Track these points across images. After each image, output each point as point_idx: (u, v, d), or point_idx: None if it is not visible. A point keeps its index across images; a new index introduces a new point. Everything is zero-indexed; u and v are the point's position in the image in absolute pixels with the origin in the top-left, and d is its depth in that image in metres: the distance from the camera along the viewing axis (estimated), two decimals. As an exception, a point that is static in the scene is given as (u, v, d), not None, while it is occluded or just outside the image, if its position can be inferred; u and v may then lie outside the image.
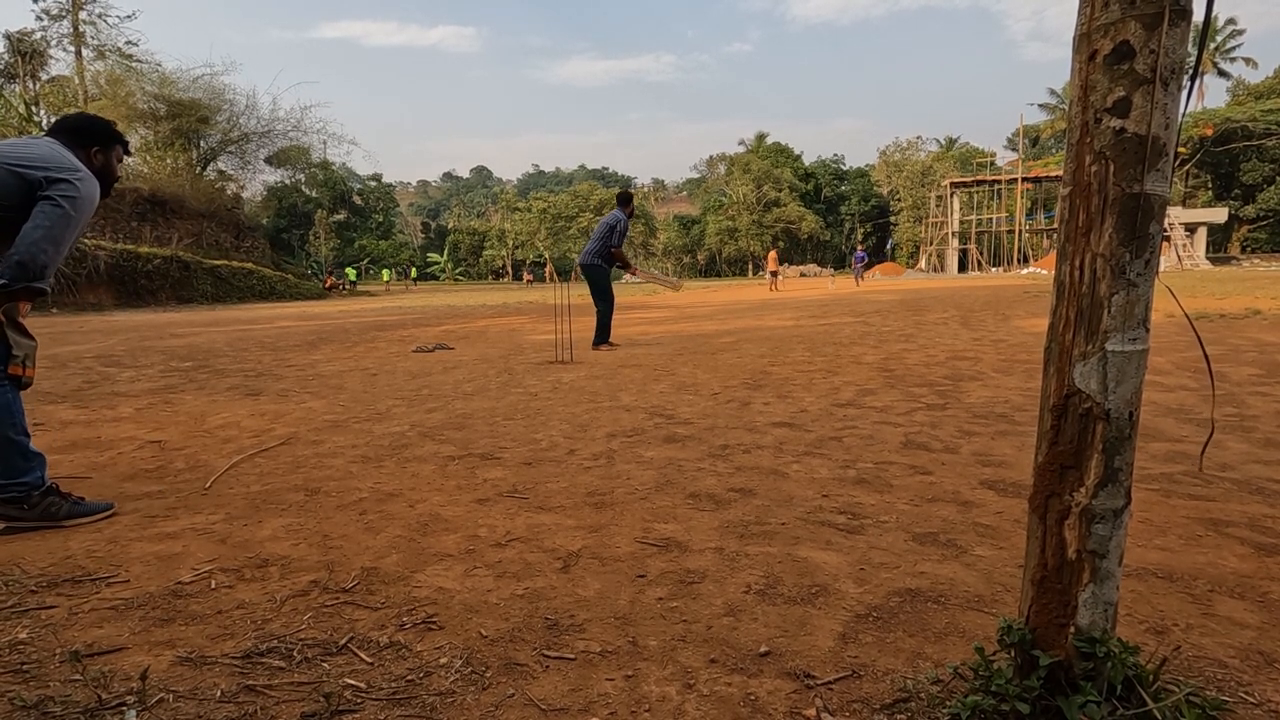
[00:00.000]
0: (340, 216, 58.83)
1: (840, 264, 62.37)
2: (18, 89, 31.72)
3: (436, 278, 62.94)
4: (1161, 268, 1.07)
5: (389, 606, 1.62)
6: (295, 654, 1.41)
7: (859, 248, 29.56)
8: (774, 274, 26.31)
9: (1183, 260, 36.18)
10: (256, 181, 42.03)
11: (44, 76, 33.41)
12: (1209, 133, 44.88)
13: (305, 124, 39.79)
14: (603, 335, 7.11)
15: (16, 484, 2.22)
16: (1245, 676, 1.28)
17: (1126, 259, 1.00)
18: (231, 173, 37.05)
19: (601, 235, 7.13)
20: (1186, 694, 1.08)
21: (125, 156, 2.61)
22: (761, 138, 72.02)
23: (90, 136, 2.51)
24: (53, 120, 2.62)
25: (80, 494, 2.42)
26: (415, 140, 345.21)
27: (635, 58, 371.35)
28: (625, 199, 7.34)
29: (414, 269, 54.92)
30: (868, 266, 38.80)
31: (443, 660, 1.39)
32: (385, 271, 49.56)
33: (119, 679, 1.32)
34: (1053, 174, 43.88)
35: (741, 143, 77.91)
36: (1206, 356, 1.32)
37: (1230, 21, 50.99)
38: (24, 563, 1.90)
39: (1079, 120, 1.03)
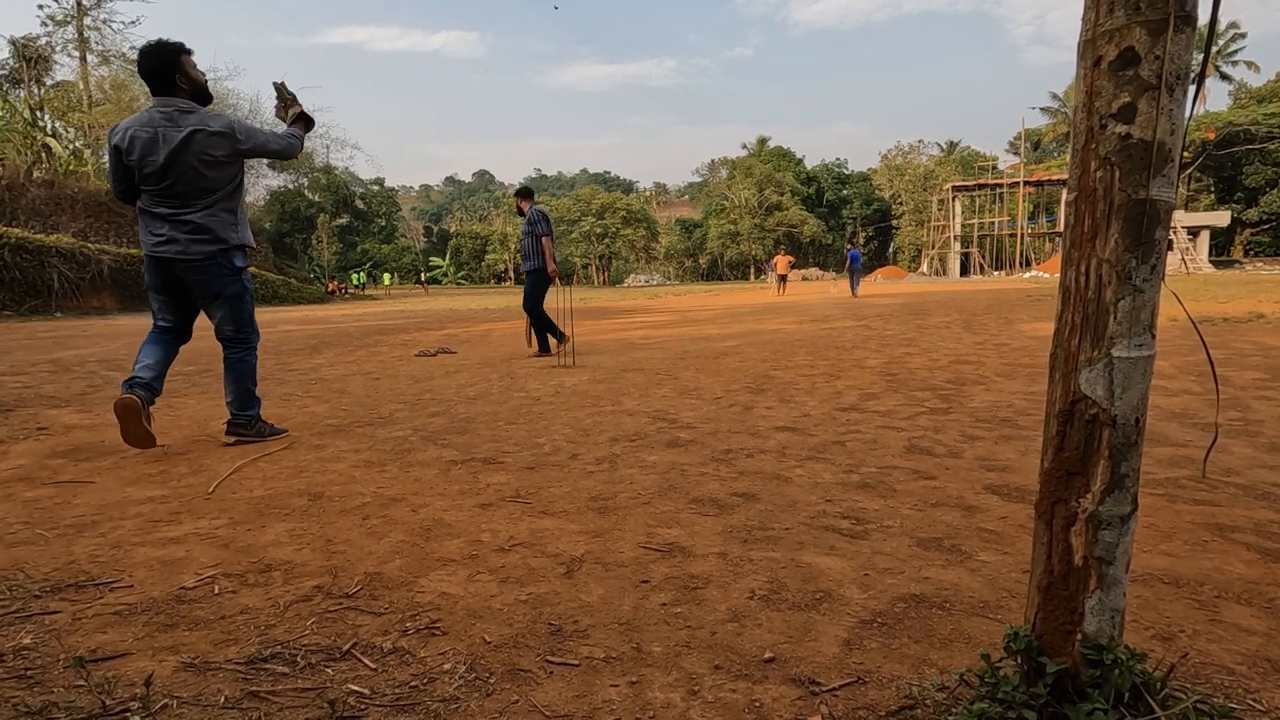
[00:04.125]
0: (343, 221, 58.99)
1: (843, 267, 62.35)
2: (23, 94, 31.83)
3: (439, 281, 63.12)
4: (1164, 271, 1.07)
5: (392, 612, 1.62)
6: (299, 660, 1.41)
7: (848, 245, 27.96)
8: (782, 278, 25.64)
9: (1186, 264, 36.15)
10: (259, 186, 42.21)
11: (49, 82, 33.53)
12: (1211, 136, 44.89)
13: (308, 128, 39.77)
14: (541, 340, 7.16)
15: (246, 414, 3.37)
16: (1253, 683, 1.27)
17: (1132, 264, 1.00)
18: (235, 177, 37.07)
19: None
20: (1194, 701, 1.07)
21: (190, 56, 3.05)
22: (763, 141, 72.20)
23: (171, 66, 2.86)
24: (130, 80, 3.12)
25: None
26: (418, 144, 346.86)
27: (637, 62, 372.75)
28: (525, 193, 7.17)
29: (428, 276, 55.46)
30: (866, 272, 36.52)
31: (446, 666, 1.38)
32: (385, 275, 49.76)
33: (123, 685, 1.32)
34: (1054, 177, 43.96)
35: (744, 146, 78.06)
36: (1211, 361, 1.31)
37: (1232, 25, 51.04)
38: (28, 568, 1.90)
39: (1084, 126, 1.03)
